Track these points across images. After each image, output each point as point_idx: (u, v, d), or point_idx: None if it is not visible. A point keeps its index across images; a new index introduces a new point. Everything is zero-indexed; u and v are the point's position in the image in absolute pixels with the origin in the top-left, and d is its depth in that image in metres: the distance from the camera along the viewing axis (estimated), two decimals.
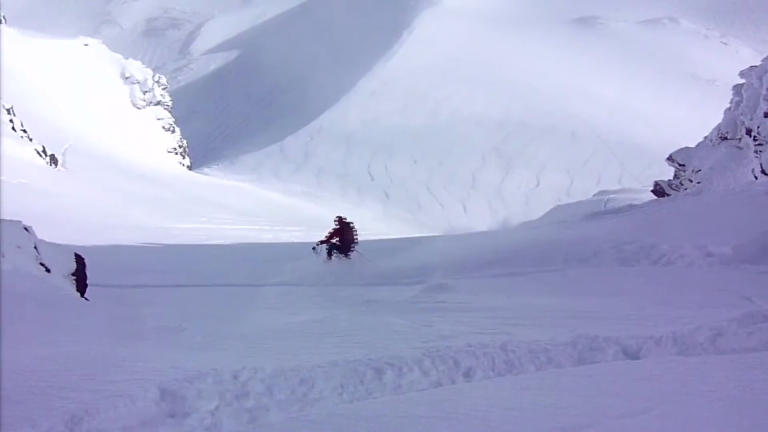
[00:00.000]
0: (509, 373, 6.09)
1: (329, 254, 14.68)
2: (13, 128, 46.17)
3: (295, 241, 26.28)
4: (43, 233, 18.21)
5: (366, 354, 6.02)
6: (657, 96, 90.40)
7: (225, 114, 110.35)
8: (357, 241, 15.07)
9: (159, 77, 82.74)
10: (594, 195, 64.25)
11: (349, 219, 15.34)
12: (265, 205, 52.09)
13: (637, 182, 64.45)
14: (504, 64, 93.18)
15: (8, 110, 49.50)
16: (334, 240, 14.75)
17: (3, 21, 69.39)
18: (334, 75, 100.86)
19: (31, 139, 45.62)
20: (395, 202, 69.35)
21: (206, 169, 74.44)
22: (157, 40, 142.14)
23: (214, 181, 64.71)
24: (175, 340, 7.27)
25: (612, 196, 60.73)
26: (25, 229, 13.77)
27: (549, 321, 8.06)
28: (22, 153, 38.02)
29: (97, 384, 4.99)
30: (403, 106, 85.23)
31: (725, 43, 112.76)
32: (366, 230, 39.95)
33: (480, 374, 5.97)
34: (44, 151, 44.46)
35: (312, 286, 12.63)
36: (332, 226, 15.13)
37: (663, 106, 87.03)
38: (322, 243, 14.95)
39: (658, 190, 32.11)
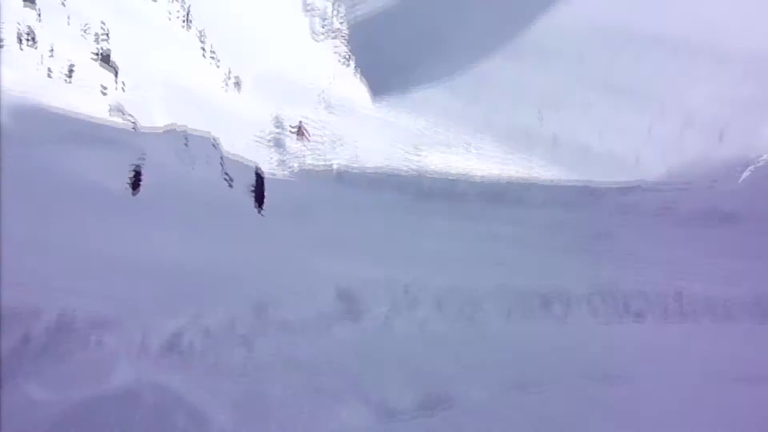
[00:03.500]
0: (682, 322, 5.86)
1: None
2: (204, 54, 49.30)
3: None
4: None
5: (534, 283, 6.01)
6: None
7: (398, 49, 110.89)
8: None
9: (339, 7, 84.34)
10: None
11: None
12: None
13: None
14: None
15: (200, 32, 52.85)
16: None
17: None
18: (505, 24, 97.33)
19: (218, 65, 48.47)
20: (563, 149, 66.67)
21: (376, 104, 75.58)
22: None
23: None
24: (347, 253, 7.64)
25: None
26: (213, 145, 14.98)
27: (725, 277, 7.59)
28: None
29: (279, 279, 5.41)
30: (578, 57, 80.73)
31: None
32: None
33: (650, 319, 5.79)
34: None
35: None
36: None
37: None
38: None
39: None
